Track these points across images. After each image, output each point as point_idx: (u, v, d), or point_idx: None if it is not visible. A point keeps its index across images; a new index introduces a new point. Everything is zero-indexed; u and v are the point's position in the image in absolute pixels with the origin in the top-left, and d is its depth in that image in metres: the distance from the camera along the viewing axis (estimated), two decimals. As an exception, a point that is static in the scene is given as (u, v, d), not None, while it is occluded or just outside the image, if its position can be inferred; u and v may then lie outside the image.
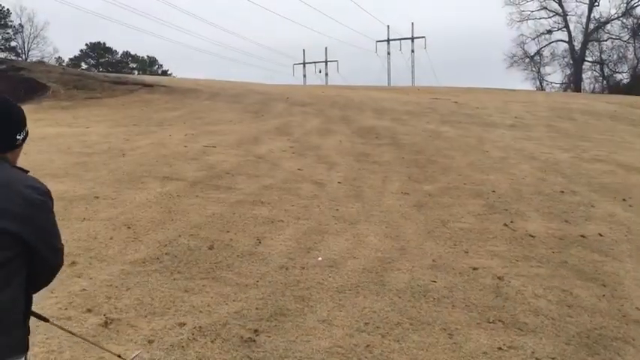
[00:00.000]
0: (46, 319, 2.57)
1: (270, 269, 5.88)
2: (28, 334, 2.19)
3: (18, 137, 2.25)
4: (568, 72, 57.68)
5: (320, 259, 6.26)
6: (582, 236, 7.63)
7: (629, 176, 11.04)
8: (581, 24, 56.04)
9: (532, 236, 7.59)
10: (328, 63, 67.20)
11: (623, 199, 9.45)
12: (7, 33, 62.02)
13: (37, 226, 2.10)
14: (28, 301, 2.20)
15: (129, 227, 6.77)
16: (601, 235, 7.73)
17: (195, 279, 5.48)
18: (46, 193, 2.18)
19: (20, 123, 2.29)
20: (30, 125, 2.37)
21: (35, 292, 2.25)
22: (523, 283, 5.95)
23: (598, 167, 11.64)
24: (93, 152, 10.22)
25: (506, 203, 8.98)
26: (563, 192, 9.73)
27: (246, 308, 4.88)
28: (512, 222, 8.11)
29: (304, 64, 68.21)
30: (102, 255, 5.93)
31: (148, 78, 22.69)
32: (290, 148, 11.87)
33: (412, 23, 65.30)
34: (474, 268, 6.29)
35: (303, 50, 68.82)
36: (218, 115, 14.91)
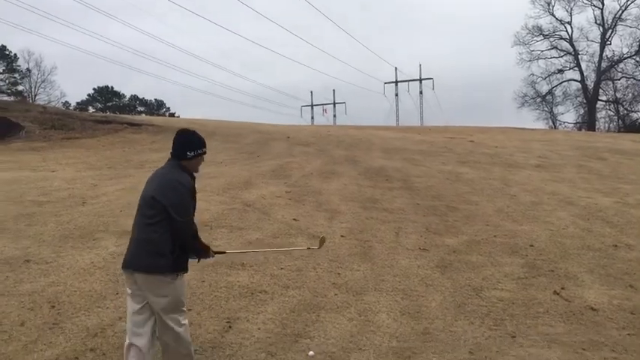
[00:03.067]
0: (223, 252, 4.46)
1: (238, 373, 4.08)
2: (178, 264, 3.76)
3: (189, 153, 3.91)
4: (581, 111, 56.10)
5: (311, 353, 4.45)
6: (659, 309, 5.80)
7: (691, 226, 9.18)
8: (594, 63, 54.71)
9: (594, 309, 5.78)
10: (336, 105, 66.05)
11: (693, 256, 7.61)
12: (14, 77, 61.41)
13: (171, 200, 3.71)
14: (175, 244, 3.72)
15: (53, 306, 5.00)
16: (682, 306, 5.90)
17: (121, 395, 3.68)
18: (183, 184, 3.79)
19: (190, 145, 3.94)
20: None
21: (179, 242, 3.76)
22: (603, 390, 4.11)
23: (650, 214, 9.80)
24: (47, 201, 8.54)
25: (551, 262, 7.17)
26: (616, 246, 7.91)
27: None
28: (563, 289, 6.29)
29: (312, 105, 67.11)
30: (-3, 353, 4.17)
31: (137, 117, 21.23)
32: (286, 193, 10.13)
33: (420, 65, 64.11)
34: (529, 365, 4.46)
35: (311, 92, 67.80)
36: (208, 155, 13.19)
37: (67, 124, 15.60)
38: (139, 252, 3.72)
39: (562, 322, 5.44)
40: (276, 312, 5.22)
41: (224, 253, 4.35)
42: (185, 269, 3.87)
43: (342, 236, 7.81)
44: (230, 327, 4.84)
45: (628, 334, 5.19)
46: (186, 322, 3.86)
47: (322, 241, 4.95)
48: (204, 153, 4.03)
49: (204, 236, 7.26)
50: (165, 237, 3.70)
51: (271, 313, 5.20)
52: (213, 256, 4.17)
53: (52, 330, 4.55)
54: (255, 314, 5.15)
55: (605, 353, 4.78)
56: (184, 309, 3.88)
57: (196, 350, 4.34)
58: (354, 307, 5.50)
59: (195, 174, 4.01)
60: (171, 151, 3.98)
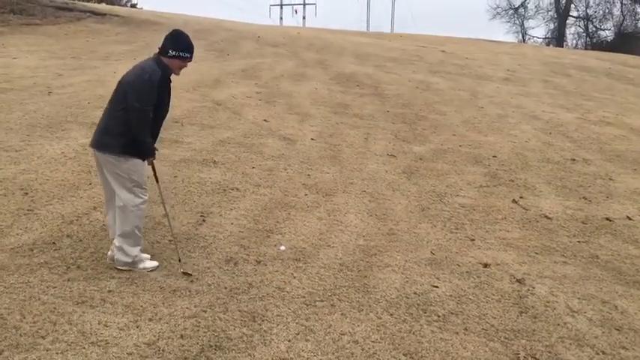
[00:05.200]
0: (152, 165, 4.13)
1: (212, 264, 4.25)
2: (130, 148, 3.83)
3: (170, 52, 3.89)
4: (552, 26, 55.82)
5: (283, 248, 4.65)
6: (608, 219, 6.19)
7: (646, 144, 9.58)
8: (569, -25, 53.82)
9: (548, 218, 6.12)
10: (306, 5, 63.84)
11: (645, 172, 8.01)
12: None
13: (130, 83, 3.81)
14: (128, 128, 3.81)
15: (26, 193, 5.02)
16: (630, 218, 6.31)
17: (100, 279, 3.82)
18: (147, 72, 3.80)
19: (175, 44, 3.92)
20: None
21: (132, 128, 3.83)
22: (551, 290, 4.47)
23: (608, 131, 10.17)
24: (11, 88, 8.29)
25: (511, 172, 7.47)
26: (574, 160, 8.25)
27: (167, 336, 3.26)
28: (521, 197, 6.61)
29: (281, 5, 64.68)
30: (-28, 236, 4.21)
31: (99, 6, 20.26)
32: (256, 93, 10.07)
33: (395, -33, 62.07)
34: (485, 265, 4.78)
35: (281, -10, 65.07)
36: (176, 51, 12.88)
37: (26, 9, 14.78)
38: (98, 131, 3.93)
39: (518, 228, 5.76)
40: (248, 209, 5.36)
41: (151, 165, 4.11)
42: (140, 155, 3.92)
43: (312, 139, 7.90)
44: (204, 221, 4.98)
45: (578, 242, 5.55)
46: (137, 204, 3.92)
47: None
48: (187, 58, 3.98)
49: (174, 132, 7.32)
50: (121, 120, 3.81)
51: (243, 209, 5.35)
52: (150, 163, 4.07)
53: (27, 216, 4.61)
54: (228, 210, 5.29)
55: (556, 257, 5.13)
56: (137, 188, 3.93)
57: (171, 241, 4.49)
58: (324, 207, 5.69)
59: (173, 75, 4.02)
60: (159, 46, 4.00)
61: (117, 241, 3.95)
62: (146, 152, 3.93)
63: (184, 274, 4.02)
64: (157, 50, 3.96)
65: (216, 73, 11.25)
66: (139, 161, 3.92)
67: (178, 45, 3.92)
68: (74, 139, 6.51)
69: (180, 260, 4.16)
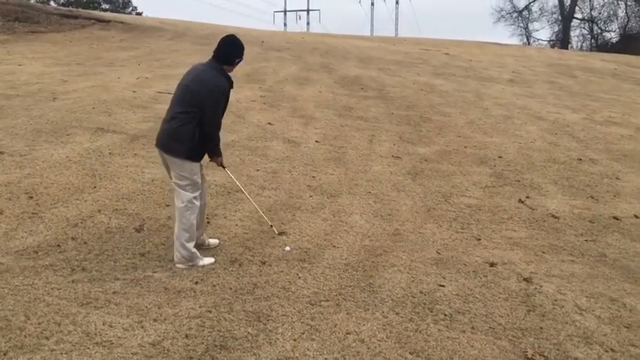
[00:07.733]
0: (223, 167, 4.57)
1: (217, 265, 4.24)
2: (194, 153, 4.13)
3: (236, 60, 4.30)
4: (556, 29, 55.75)
5: (288, 249, 4.63)
6: (616, 218, 6.15)
7: (653, 143, 9.52)
8: (573, -22, 53.76)
9: (555, 217, 6.07)
10: (310, 12, 64.12)
11: (652, 171, 7.95)
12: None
13: (205, 100, 4.02)
14: (195, 135, 4.07)
15: (31, 197, 5.02)
16: (637, 217, 6.28)
17: (105, 281, 3.81)
18: (219, 87, 4.08)
19: (236, 52, 4.30)
20: None
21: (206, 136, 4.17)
22: (559, 288, 4.43)
23: (614, 131, 10.12)
24: (16, 95, 8.32)
25: (517, 172, 7.43)
26: (580, 160, 8.21)
27: (171, 336, 3.24)
28: (528, 197, 6.57)
29: (285, 11, 64.96)
30: (-22, 239, 4.21)
31: (104, 14, 20.35)
32: (261, 97, 10.08)
33: (398, -29, 62.10)
34: (492, 264, 4.74)
35: (285, -4, 65.44)
36: (180, 57, 12.90)
37: (31, 16, 14.86)
38: (166, 135, 4.14)
39: (525, 227, 5.72)
40: (252, 210, 5.34)
41: (224, 168, 4.58)
42: (199, 158, 4.22)
43: (316, 141, 7.89)
44: (208, 223, 4.96)
45: (585, 240, 5.51)
46: (191, 199, 4.14)
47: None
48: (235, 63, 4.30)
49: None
50: (188, 128, 4.05)
51: (248, 211, 5.34)
52: (220, 164, 4.48)
53: (31, 219, 4.61)
54: (233, 212, 5.28)
55: (563, 256, 5.09)
56: (192, 189, 4.16)
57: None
58: (329, 208, 5.67)
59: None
60: (214, 52, 4.20)
61: (176, 240, 4.15)
62: (218, 152, 4.34)
63: (280, 234, 4.85)
64: (214, 54, 4.18)
65: (221, 77, 11.25)
66: (198, 164, 4.22)
67: (239, 52, 4.27)
68: (79, 143, 6.52)
69: (271, 225, 4.89)
